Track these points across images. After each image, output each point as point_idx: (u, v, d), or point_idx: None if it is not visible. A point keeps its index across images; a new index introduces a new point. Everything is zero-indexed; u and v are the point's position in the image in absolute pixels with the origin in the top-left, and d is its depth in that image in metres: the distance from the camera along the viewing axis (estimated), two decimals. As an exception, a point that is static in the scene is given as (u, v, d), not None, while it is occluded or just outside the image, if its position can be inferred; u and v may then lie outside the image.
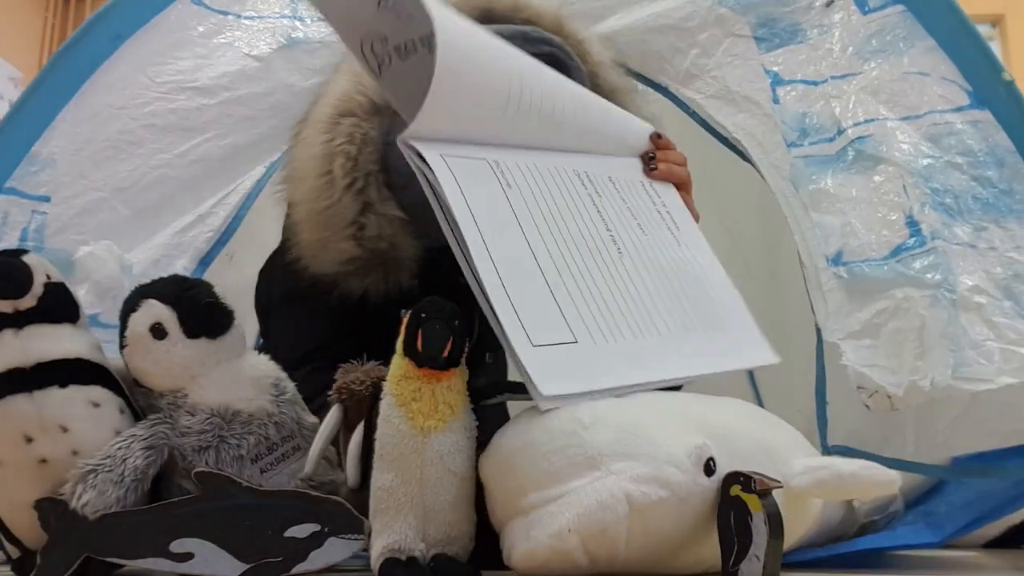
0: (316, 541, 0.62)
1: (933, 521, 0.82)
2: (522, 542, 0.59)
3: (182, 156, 0.99)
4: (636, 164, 0.85)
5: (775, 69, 0.93)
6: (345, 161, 0.81)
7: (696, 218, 0.86)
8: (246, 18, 0.99)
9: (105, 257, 0.96)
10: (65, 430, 0.66)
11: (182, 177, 0.98)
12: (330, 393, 0.73)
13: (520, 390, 0.70)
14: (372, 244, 0.82)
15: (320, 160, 0.82)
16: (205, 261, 1.08)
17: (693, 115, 1.01)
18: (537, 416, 0.62)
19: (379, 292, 0.84)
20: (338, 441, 0.77)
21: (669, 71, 1.03)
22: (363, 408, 0.74)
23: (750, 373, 1.42)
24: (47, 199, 0.95)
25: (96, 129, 0.95)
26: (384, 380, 0.69)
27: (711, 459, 0.61)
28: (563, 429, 0.61)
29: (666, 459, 0.59)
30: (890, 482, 0.64)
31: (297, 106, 0.98)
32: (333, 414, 0.74)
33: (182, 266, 0.99)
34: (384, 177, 0.84)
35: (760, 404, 1.31)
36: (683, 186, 0.86)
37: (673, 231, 0.83)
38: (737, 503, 0.59)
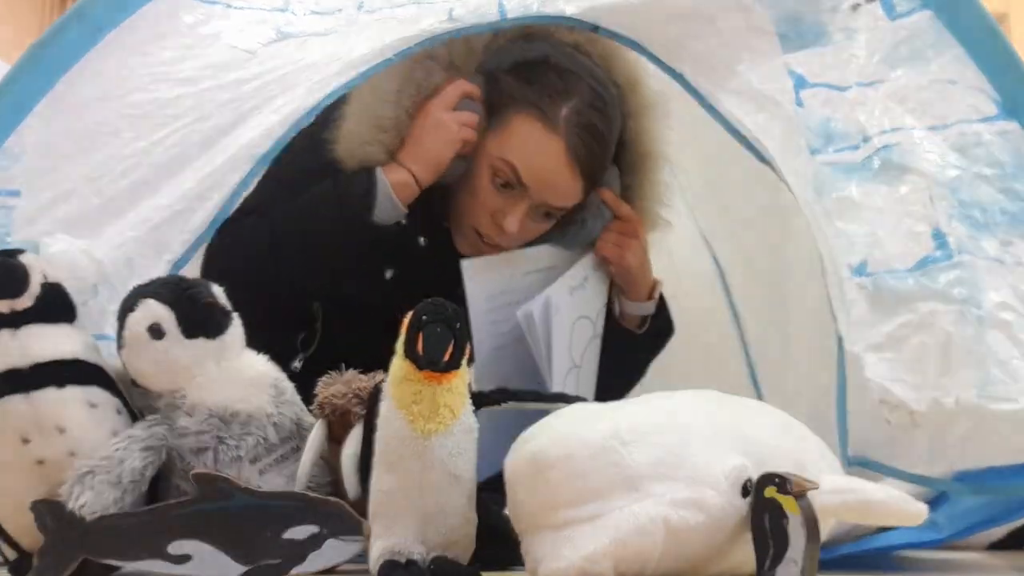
0: (315, 543, 0.78)
1: (936, 523, 0.99)
2: (552, 559, 0.73)
3: (159, 143, 1.15)
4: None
5: (799, 71, 1.10)
6: (417, 91, 1.22)
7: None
8: (236, 8, 1.17)
9: (78, 258, 1.13)
10: (62, 431, 0.82)
11: (157, 163, 1.15)
12: (312, 408, 0.92)
13: (527, 398, 0.89)
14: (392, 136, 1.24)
15: (394, 82, 1.22)
16: (178, 265, 1.25)
17: (710, 108, 1.17)
18: (574, 424, 0.78)
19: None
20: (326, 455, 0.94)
21: (687, 58, 1.19)
22: (346, 420, 0.91)
23: (752, 376, 1.62)
24: (17, 193, 1.13)
25: (71, 122, 1.12)
26: (362, 391, 0.88)
27: (748, 480, 0.75)
28: (602, 445, 0.74)
29: (704, 481, 0.73)
30: (917, 515, 0.79)
31: (279, 88, 1.17)
32: (317, 430, 0.91)
33: (158, 271, 1.16)
34: None
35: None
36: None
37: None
38: (772, 505, 0.72)
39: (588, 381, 1.33)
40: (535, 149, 1.23)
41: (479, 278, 1.27)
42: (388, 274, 1.32)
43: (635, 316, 1.40)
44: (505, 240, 1.28)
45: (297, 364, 1.29)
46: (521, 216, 1.25)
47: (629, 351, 1.40)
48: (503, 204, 1.25)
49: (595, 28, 1.22)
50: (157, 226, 1.14)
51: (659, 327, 1.43)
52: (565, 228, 1.33)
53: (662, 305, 1.43)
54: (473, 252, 1.31)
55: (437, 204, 1.30)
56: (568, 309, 1.29)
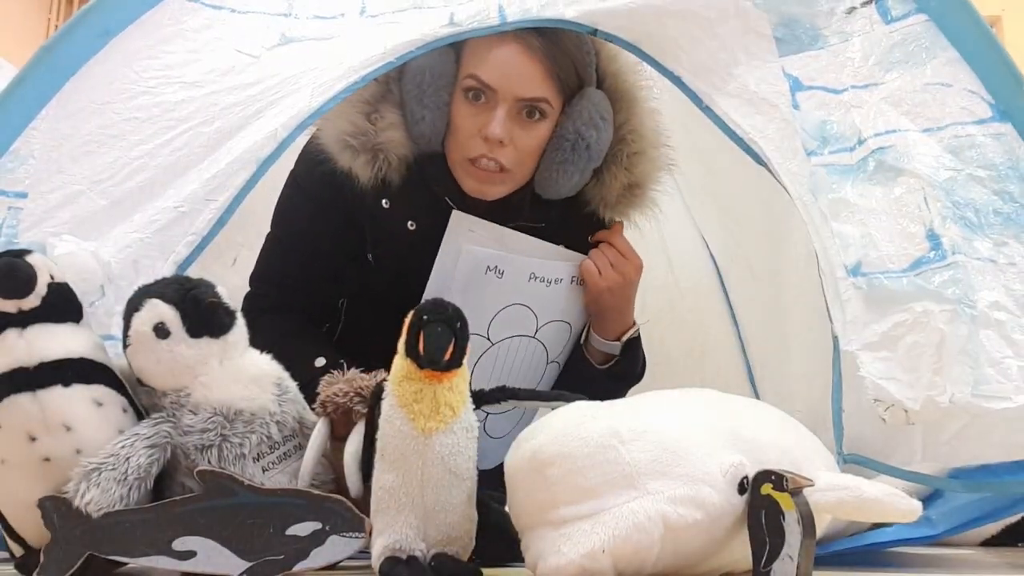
0: (317, 539, 0.79)
1: (930, 519, 1.00)
2: (552, 555, 0.73)
3: (165, 145, 1.16)
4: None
5: (795, 74, 1.10)
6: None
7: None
8: (240, 13, 1.17)
9: (85, 259, 1.13)
10: (68, 429, 0.82)
11: (163, 165, 1.16)
12: (315, 407, 0.92)
13: (527, 396, 0.89)
14: (376, 125, 1.26)
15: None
16: (183, 266, 1.26)
17: (707, 110, 1.17)
18: (573, 423, 0.78)
19: (364, 175, 1.26)
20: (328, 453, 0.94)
21: (684, 61, 1.19)
22: (348, 419, 0.91)
23: (749, 373, 1.62)
24: (24, 195, 1.13)
25: (78, 125, 1.12)
26: (364, 390, 0.88)
27: (745, 477, 0.75)
28: (600, 443, 0.75)
29: (702, 478, 0.74)
30: (911, 512, 0.79)
31: (283, 92, 1.17)
32: (320, 428, 0.91)
33: (163, 272, 1.16)
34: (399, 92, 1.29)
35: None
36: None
37: None
38: (768, 502, 0.73)
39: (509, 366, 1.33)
40: (490, 52, 1.24)
41: (462, 228, 1.27)
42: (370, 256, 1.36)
43: (598, 351, 1.37)
44: (502, 154, 1.25)
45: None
46: (502, 118, 1.23)
47: (584, 378, 1.36)
48: (483, 118, 1.24)
49: (594, 31, 1.22)
50: (163, 228, 1.15)
51: (624, 372, 1.39)
52: (573, 153, 1.28)
53: (634, 352, 1.39)
54: (478, 188, 1.29)
55: (430, 179, 1.30)
56: (513, 286, 1.28)
